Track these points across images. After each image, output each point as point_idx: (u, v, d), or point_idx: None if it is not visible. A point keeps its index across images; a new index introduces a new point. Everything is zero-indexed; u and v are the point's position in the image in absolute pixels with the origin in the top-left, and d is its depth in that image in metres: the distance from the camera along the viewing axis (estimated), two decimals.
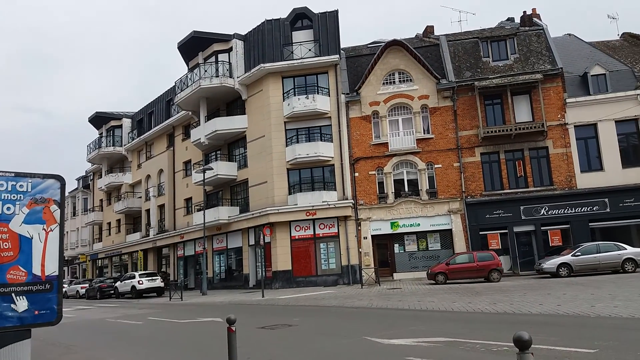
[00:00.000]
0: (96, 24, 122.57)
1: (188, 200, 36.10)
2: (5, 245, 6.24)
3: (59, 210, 6.74)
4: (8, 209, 6.35)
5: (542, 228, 25.90)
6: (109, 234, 46.85)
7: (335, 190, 27.63)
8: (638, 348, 7.19)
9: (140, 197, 41.99)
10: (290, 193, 27.91)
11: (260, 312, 15.74)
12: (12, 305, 6.13)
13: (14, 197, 6.42)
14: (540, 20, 29.72)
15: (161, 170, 39.37)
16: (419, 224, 27.00)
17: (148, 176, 41.07)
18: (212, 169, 29.40)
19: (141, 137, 42.32)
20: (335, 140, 28.02)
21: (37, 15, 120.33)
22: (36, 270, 6.37)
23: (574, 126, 26.38)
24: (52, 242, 6.59)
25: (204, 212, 28.72)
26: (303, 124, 28.53)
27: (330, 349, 8.75)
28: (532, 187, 26.33)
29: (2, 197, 6.34)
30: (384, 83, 28.39)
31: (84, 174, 54.88)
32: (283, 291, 24.45)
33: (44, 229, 6.58)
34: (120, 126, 45.25)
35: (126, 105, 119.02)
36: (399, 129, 27.98)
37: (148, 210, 40.45)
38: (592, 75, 26.97)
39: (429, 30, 32.11)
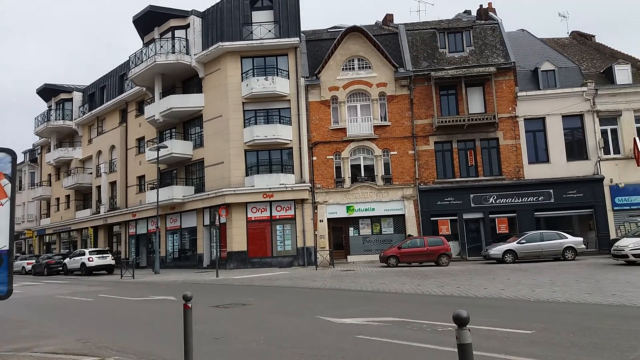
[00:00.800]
0: None
1: (141, 178, 35.33)
2: None
3: (9, 184, 6.62)
4: None
5: (490, 216, 27.00)
6: (58, 209, 45.25)
7: (293, 173, 27.75)
8: (571, 329, 7.78)
9: (91, 173, 40.72)
10: (247, 174, 27.81)
11: (215, 291, 15.81)
12: None
13: None
14: (496, 14, 30.61)
15: (113, 147, 38.26)
16: (373, 209, 27.57)
17: (99, 152, 39.83)
18: (167, 147, 28.89)
19: (92, 111, 40.86)
20: (294, 123, 28.05)
21: None
22: None
23: (524, 119, 27.48)
24: (3, 217, 6.49)
25: (158, 191, 28.25)
26: (262, 106, 28.38)
27: (283, 327, 8.97)
28: (482, 176, 27.33)
29: None
30: (343, 69, 28.56)
31: (31, 147, 52.55)
32: (238, 272, 24.52)
33: None
34: (71, 99, 43.47)
35: (77, 80, 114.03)
36: (357, 115, 28.30)
37: (99, 187, 39.33)
38: (542, 71, 28.09)
39: (389, 18, 32.44)
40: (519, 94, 27.53)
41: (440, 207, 27.20)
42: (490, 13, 30.60)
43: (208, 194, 28.24)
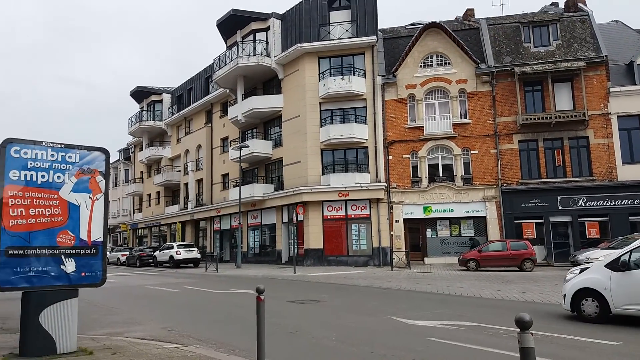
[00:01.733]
0: None
1: (225, 175, 36.91)
2: (56, 211, 6.78)
3: (104, 180, 7.25)
4: (58, 177, 6.88)
5: (579, 219, 25.35)
6: (149, 205, 48.47)
7: (369, 172, 27.72)
8: None
9: (180, 171, 43.17)
10: (323, 173, 28.17)
11: (291, 287, 16.21)
12: (62, 267, 6.70)
13: (63, 167, 6.94)
14: (586, 5, 28.61)
15: (199, 146, 40.28)
16: (452, 210, 26.87)
17: (187, 151, 42.11)
18: (248, 146, 29.91)
19: (180, 112, 43.29)
20: (370, 122, 28.00)
21: None
22: (83, 235, 6.92)
23: (617, 116, 25.50)
24: (98, 210, 7.12)
25: (240, 189, 29.37)
26: (338, 105, 28.61)
27: (355, 325, 9.05)
28: (570, 177, 25.72)
29: (53, 167, 6.87)
30: (421, 66, 28.06)
31: (126, 146, 56.60)
32: (314, 269, 24.93)
33: (90, 198, 7.10)
34: (161, 101, 46.36)
35: (166, 81, 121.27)
36: (435, 113, 27.70)
37: (186, 184, 41.59)
38: (638, 64, 25.90)
39: (469, 13, 31.40)
40: (611, 89, 25.58)
41: (525, 209, 25.94)
42: (580, 4, 28.65)
43: (286, 192, 28.94)
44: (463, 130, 27.07)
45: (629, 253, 8.74)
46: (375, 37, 28.14)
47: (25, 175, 6.64)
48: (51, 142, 6.92)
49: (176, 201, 43.91)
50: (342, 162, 28.53)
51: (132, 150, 53.74)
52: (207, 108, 40.13)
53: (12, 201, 6.48)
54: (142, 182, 50.07)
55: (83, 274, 6.85)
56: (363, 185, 27.03)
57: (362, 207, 27.55)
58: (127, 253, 38.89)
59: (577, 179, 25.61)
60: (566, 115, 25.35)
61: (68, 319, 6.63)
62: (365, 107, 28.32)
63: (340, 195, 27.13)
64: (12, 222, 6.44)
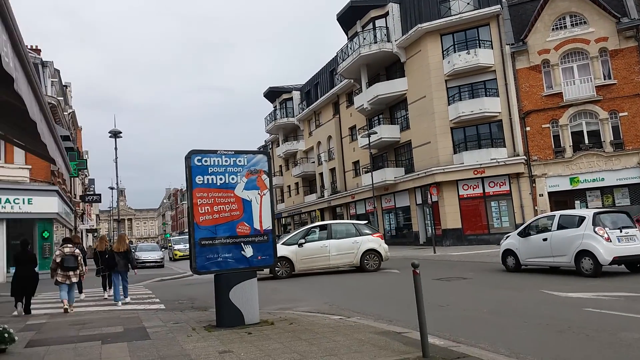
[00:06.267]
0: (259, 5, 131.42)
1: (356, 163, 38.14)
2: (234, 206, 8.11)
3: (268, 178, 8.46)
4: (232, 179, 8.20)
5: None
6: (289, 195, 51.92)
7: (505, 146, 26.79)
8: None
9: (314, 162, 45.51)
10: (455, 152, 27.84)
11: (434, 266, 16.59)
12: (242, 252, 8.02)
13: (235, 169, 8.25)
14: None
15: (330, 137, 42.01)
16: (602, 179, 24.94)
17: (319, 143, 44.18)
18: (376, 132, 30.59)
19: (310, 107, 45.48)
20: (502, 94, 26.96)
21: (204, 3, 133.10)
22: (256, 225, 8.18)
23: None
24: (265, 204, 8.34)
25: (372, 174, 30.24)
26: (465, 81, 27.96)
27: (505, 299, 9.30)
28: None
29: (227, 170, 8.20)
30: (553, 29, 26.23)
31: (264, 144, 60.83)
32: (454, 248, 24.93)
33: (259, 194, 8.35)
34: (291, 98, 49.15)
35: (295, 78, 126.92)
36: (574, 76, 25.76)
37: (321, 174, 43.73)
38: None
39: None
40: None
41: None
42: None
43: (418, 174, 29.13)
44: (608, 92, 24.85)
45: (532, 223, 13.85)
46: (499, 5, 26.93)
47: (207, 179, 8.02)
48: (224, 150, 8.25)
49: (313, 190, 46.35)
50: (474, 138, 27.91)
51: (270, 146, 57.64)
52: (334, 100, 41.63)
53: (200, 201, 7.89)
54: (282, 175, 53.62)
55: (259, 257, 8.11)
56: (500, 161, 26.22)
57: (501, 184, 26.74)
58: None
59: None
60: None
61: (251, 295, 7.91)
62: (495, 79, 27.32)
63: (475, 172, 26.63)
64: (201, 218, 7.86)
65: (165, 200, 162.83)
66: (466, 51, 27.27)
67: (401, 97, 31.61)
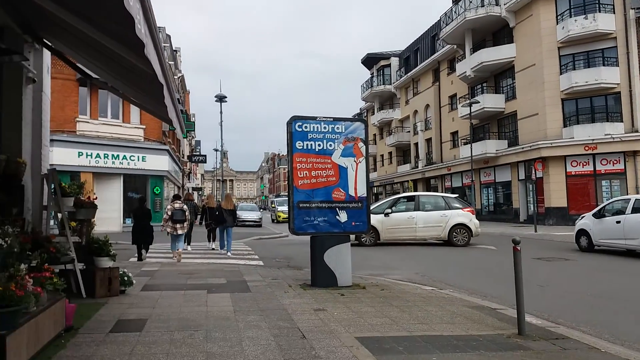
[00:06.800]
0: None
1: (454, 133, 36.89)
2: (330, 172, 8.30)
3: (364, 146, 8.54)
4: (330, 145, 8.36)
5: None
6: (382, 164, 51.70)
7: (622, 121, 24.50)
8: None
9: (409, 132, 44.70)
10: (565, 125, 25.92)
11: (534, 245, 15.85)
12: (337, 217, 8.23)
13: (333, 136, 8.39)
14: None
15: (427, 105, 40.90)
16: None
17: (415, 111, 43.22)
18: (479, 102, 29.25)
19: (408, 74, 44.38)
20: (622, 64, 24.50)
21: None
22: (351, 192, 8.33)
23: None
24: (361, 171, 8.46)
25: (471, 146, 29.13)
26: (581, 48, 25.70)
27: (610, 283, 8.73)
28: None
29: (326, 137, 8.37)
30: None
31: (359, 111, 60.69)
32: (557, 228, 23.53)
33: (355, 161, 8.46)
34: (389, 65, 48.24)
35: (393, 44, 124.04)
36: None
37: (416, 144, 42.91)
38: None
39: None
40: None
41: None
42: None
43: (522, 148, 27.58)
44: None
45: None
46: None
47: (306, 144, 8.26)
48: (323, 117, 8.41)
49: (407, 160, 45.73)
50: (587, 111, 25.77)
51: (365, 114, 57.40)
52: (434, 67, 40.25)
53: (299, 165, 8.17)
54: (375, 144, 53.34)
55: (353, 223, 8.28)
56: (615, 137, 24.06)
57: (615, 162, 24.61)
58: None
59: None
60: None
61: (344, 259, 8.13)
62: (615, 47, 24.85)
63: (586, 148, 24.69)
64: (300, 182, 8.16)
65: (263, 164, 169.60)
66: (583, 16, 24.96)
67: (508, 65, 29.80)
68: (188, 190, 37.17)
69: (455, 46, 34.64)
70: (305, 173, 8.20)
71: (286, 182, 9.10)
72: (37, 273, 4.56)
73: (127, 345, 4.57)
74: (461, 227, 16.38)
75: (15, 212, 6.36)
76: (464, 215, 16.56)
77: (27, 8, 6.16)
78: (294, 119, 8.26)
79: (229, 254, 13.26)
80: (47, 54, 7.72)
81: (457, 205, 17.01)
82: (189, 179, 47.14)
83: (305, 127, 8.28)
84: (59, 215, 7.31)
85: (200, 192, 66.16)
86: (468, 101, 29.07)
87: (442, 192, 38.71)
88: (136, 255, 12.03)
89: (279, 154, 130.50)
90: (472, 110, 29.00)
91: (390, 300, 6.90)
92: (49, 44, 7.36)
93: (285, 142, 8.60)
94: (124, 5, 2.67)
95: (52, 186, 7.02)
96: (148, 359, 4.17)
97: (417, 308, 6.35)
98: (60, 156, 19.71)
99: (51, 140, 10.54)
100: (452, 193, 37.14)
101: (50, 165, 7.87)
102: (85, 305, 6.19)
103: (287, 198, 9.83)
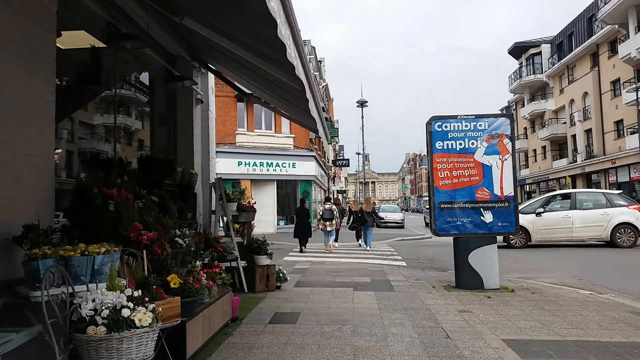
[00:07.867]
0: None
1: (618, 122, 32.98)
2: (473, 172, 8.17)
3: (510, 142, 8.24)
4: (472, 143, 8.23)
5: None
6: (535, 160, 48.06)
7: None
8: None
9: (565, 123, 40.95)
10: None
11: None
12: (481, 217, 8.07)
13: (475, 134, 8.25)
14: None
15: (585, 93, 37.10)
16: None
17: (572, 100, 39.48)
18: None
19: (562, 61, 40.72)
20: None
21: None
22: (497, 191, 8.11)
23: None
24: (507, 169, 8.17)
25: (639, 135, 25.82)
26: None
27: None
28: None
29: (468, 135, 8.26)
30: None
31: (507, 104, 57.27)
32: None
33: (500, 159, 8.21)
34: (539, 53, 44.71)
35: (545, 32, 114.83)
36: None
37: (574, 136, 39.16)
38: None
39: None
40: None
41: None
42: None
43: None
44: None
45: None
46: None
47: (447, 144, 8.23)
48: (464, 115, 8.31)
49: (563, 154, 41.93)
50: None
51: (514, 107, 53.96)
52: (592, 50, 36.39)
53: (439, 166, 8.18)
54: (526, 138, 49.83)
55: (499, 223, 8.02)
56: None
57: None
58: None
59: None
60: None
61: (491, 261, 7.92)
62: None
63: None
64: (441, 183, 8.16)
65: (404, 165, 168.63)
66: None
67: None
68: (334, 195, 39.20)
69: (616, 26, 30.99)
70: (446, 173, 8.18)
71: (427, 182, 9.13)
72: (209, 269, 5.32)
73: (284, 335, 5.09)
74: (626, 226, 14.86)
75: (190, 217, 7.43)
76: (629, 214, 14.95)
77: (196, 39, 7.17)
78: (433, 119, 8.30)
79: (368, 248, 15.28)
80: (211, 77, 8.85)
81: (621, 202, 15.41)
82: (333, 183, 48.97)
83: (445, 127, 8.27)
84: (224, 218, 8.30)
85: (344, 195, 68.36)
86: (634, 86, 25.82)
87: (605, 188, 34.87)
88: (297, 248, 14.84)
89: (419, 154, 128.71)
90: (639, 96, 25.68)
91: (541, 303, 6.59)
92: (213, 67, 8.43)
93: (425, 142, 8.67)
94: (277, 34, 3.08)
95: (219, 193, 8.00)
96: (302, 348, 4.61)
97: (572, 312, 5.99)
98: (223, 166, 21.98)
99: (216, 152, 11.93)
100: (618, 188, 33.27)
101: (216, 174, 8.99)
102: (246, 298, 6.97)
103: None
